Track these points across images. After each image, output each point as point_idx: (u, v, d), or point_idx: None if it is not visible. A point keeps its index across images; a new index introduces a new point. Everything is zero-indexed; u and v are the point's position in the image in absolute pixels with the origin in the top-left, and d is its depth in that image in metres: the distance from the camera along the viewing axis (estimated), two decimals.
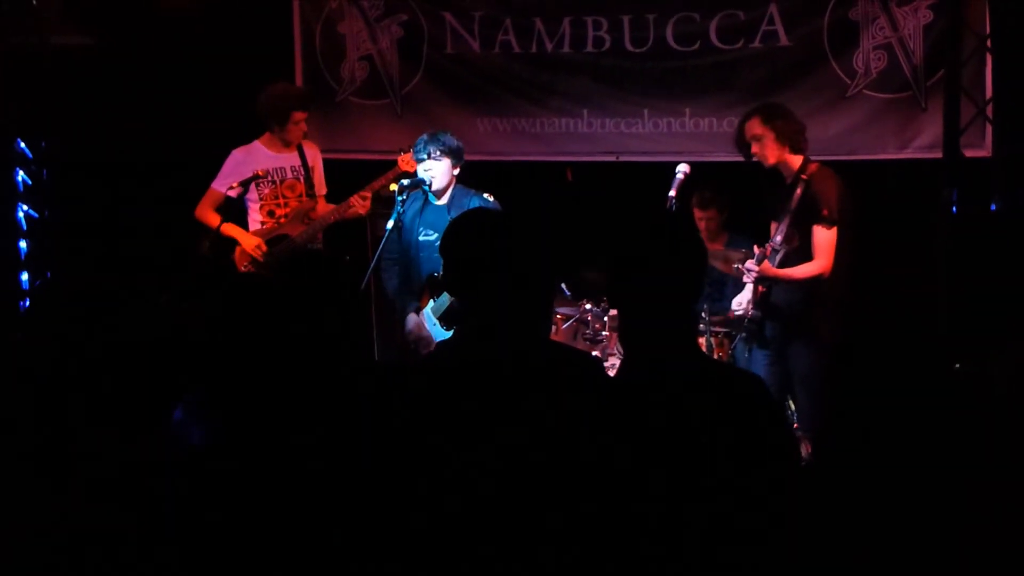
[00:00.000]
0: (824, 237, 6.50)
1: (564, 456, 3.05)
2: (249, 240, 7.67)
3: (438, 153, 6.90)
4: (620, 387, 3.24)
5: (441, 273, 3.49)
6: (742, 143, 6.79)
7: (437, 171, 6.91)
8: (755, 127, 6.69)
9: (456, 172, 7.01)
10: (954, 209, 7.47)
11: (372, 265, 6.81)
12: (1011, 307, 7.09)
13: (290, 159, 7.85)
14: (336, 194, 7.96)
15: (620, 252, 3.21)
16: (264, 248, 7.64)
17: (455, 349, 3.40)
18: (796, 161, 6.65)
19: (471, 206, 6.72)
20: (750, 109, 6.90)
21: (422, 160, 6.92)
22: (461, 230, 3.41)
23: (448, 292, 6.56)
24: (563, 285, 7.67)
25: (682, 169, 6.65)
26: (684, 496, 2.98)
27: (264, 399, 3.43)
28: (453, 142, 6.99)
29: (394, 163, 7.63)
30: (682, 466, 2.99)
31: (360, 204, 7.53)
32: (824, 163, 6.77)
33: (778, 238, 6.52)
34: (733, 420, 3.02)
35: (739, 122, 6.86)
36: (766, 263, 6.51)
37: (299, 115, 7.79)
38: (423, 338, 7.00)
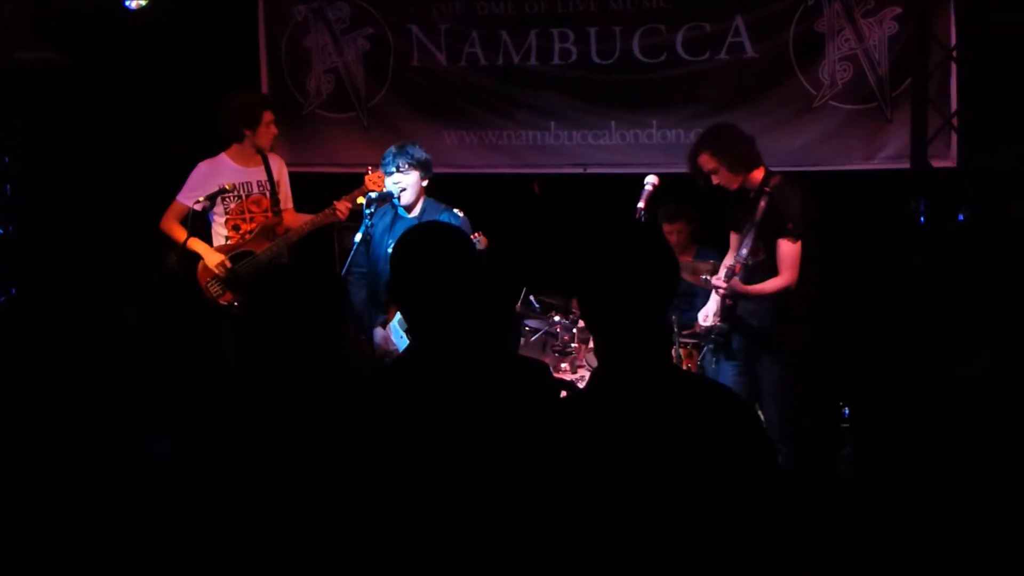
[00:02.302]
0: (789, 250, 6.50)
1: (520, 469, 3.03)
2: (213, 257, 7.61)
3: (407, 166, 6.89)
4: (589, 399, 3.22)
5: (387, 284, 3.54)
6: (699, 175, 6.76)
7: (406, 183, 6.89)
8: (708, 162, 6.66)
9: (425, 184, 6.99)
10: (922, 219, 7.51)
11: (343, 273, 6.78)
12: (978, 317, 7.13)
13: (256, 174, 7.78)
14: (302, 207, 7.93)
15: (591, 263, 3.19)
16: (228, 265, 7.58)
17: (408, 364, 3.43)
18: (757, 175, 6.64)
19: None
20: (696, 143, 6.83)
21: (391, 173, 6.89)
22: (408, 244, 3.47)
23: (394, 304, 6.56)
24: (531, 297, 7.67)
25: (651, 181, 6.67)
26: (656, 510, 2.95)
27: (234, 415, 3.43)
28: (421, 154, 6.97)
29: (361, 176, 7.59)
30: (653, 479, 2.97)
31: (340, 211, 7.44)
32: (789, 174, 6.78)
33: (744, 251, 6.51)
34: (707, 432, 3.00)
35: (689, 157, 6.81)
36: (735, 280, 6.50)
37: (269, 116, 7.74)
38: (390, 352, 6.98)
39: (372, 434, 3.21)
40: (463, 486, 3.09)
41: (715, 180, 6.68)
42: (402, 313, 3.47)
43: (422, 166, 6.95)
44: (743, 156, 6.62)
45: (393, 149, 6.97)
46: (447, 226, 3.69)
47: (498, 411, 3.16)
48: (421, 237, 3.52)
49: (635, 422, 2.99)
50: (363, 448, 3.20)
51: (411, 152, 6.93)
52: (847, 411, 7.27)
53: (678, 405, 3.03)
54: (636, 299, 3.11)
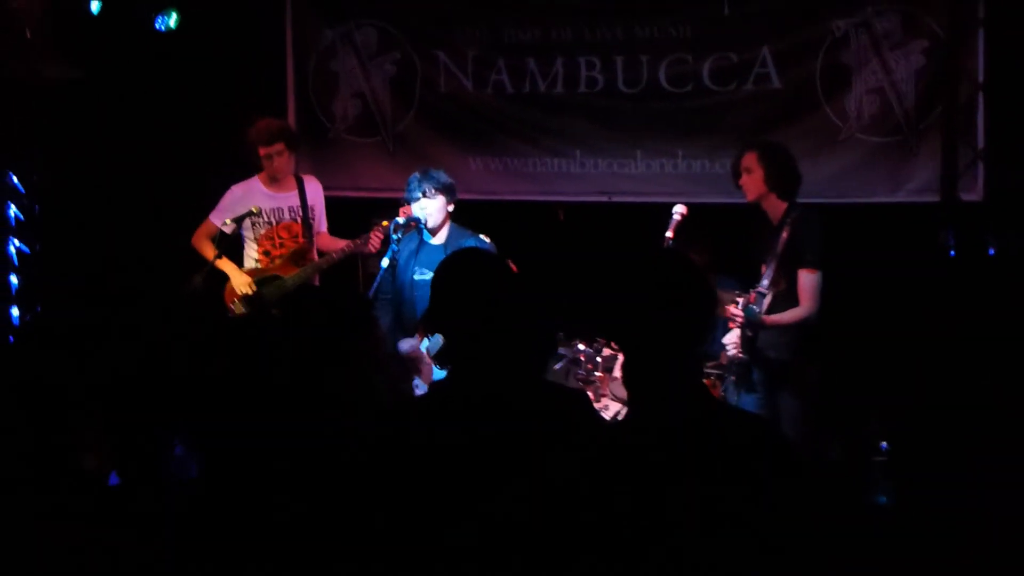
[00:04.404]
0: (809, 281, 6.45)
1: (561, 501, 3.01)
2: (240, 278, 7.62)
3: (432, 191, 6.88)
4: (625, 430, 3.20)
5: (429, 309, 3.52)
6: (736, 170, 6.74)
7: (432, 208, 6.88)
8: (750, 160, 6.62)
9: (450, 209, 6.98)
10: (952, 253, 7.49)
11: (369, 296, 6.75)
12: (1006, 350, 7.11)
13: (288, 199, 7.77)
14: (329, 230, 7.94)
15: (627, 294, 3.16)
16: (254, 288, 7.58)
17: (447, 391, 3.39)
18: (783, 205, 6.60)
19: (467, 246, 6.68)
20: (755, 139, 6.86)
21: (416, 199, 6.88)
22: (453, 268, 3.44)
23: (436, 329, 6.52)
24: None
25: (679, 210, 6.67)
26: (692, 538, 2.93)
27: (254, 436, 3.42)
28: (446, 179, 6.97)
29: (386, 200, 7.57)
30: (689, 508, 2.95)
31: (372, 243, 7.34)
32: (811, 206, 6.74)
33: (765, 282, 6.47)
34: (744, 462, 2.98)
35: (740, 147, 6.80)
36: (752, 309, 6.46)
37: (264, 150, 7.64)
38: (419, 362, 6.90)
39: (411, 461, 3.20)
40: (501, 518, 3.07)
41: (742, 180, 6.63)
42: (443, 339, 3.44)
43: (447, 191, 6.94)
44: (781, 177, 6.56)
45: (417, 174, 6.95)
46: (489, 254, 3.68)
47: (538, 441, 3.15)
48: (464, 264, 3.50)
49: (672, 452, 2.97)
50: (402, 476, 3.19)
51: (436, 177, 6.93)
52: (884, 445, 7.21)
53: (715, 435, 3.01)
54: (672, 329, 3.08)
